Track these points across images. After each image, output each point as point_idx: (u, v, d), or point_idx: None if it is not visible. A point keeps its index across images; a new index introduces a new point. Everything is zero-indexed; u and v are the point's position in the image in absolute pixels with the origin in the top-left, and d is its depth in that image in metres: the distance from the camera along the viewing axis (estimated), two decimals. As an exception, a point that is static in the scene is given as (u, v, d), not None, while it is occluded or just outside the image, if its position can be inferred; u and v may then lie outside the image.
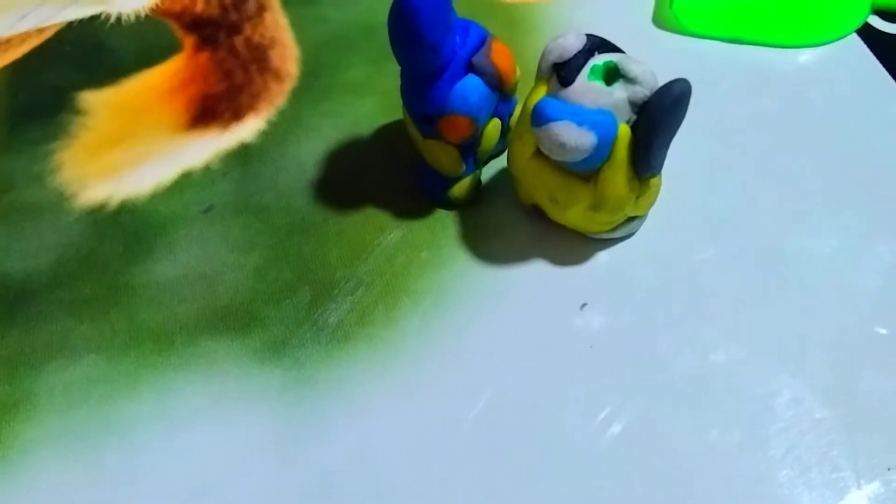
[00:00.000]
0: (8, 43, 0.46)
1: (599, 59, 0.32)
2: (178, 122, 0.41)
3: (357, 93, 0.43)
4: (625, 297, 0.35)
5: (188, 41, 0.45)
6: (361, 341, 0.34)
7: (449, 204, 0.38)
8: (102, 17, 0.47)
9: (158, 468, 0.31)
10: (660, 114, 0.31)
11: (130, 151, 0.40)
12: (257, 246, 0.37)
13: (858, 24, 0.45)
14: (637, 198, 0.34)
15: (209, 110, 0.42)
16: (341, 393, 0.33)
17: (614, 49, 0.33)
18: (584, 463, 0.31)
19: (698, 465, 0.31)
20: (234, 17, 0.46)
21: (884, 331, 0.34)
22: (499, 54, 0.35)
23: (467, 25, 0.34)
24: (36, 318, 0.35)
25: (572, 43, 0.32)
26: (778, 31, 0.44)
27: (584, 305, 0.35)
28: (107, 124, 0.42)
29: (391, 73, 0.37)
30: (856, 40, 0.44)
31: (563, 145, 0.31)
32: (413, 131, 0.37)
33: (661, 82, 0.31)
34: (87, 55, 0.45)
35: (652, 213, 0.36)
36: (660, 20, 0.46)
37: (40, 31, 0.47)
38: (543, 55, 0.33)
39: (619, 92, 0.32)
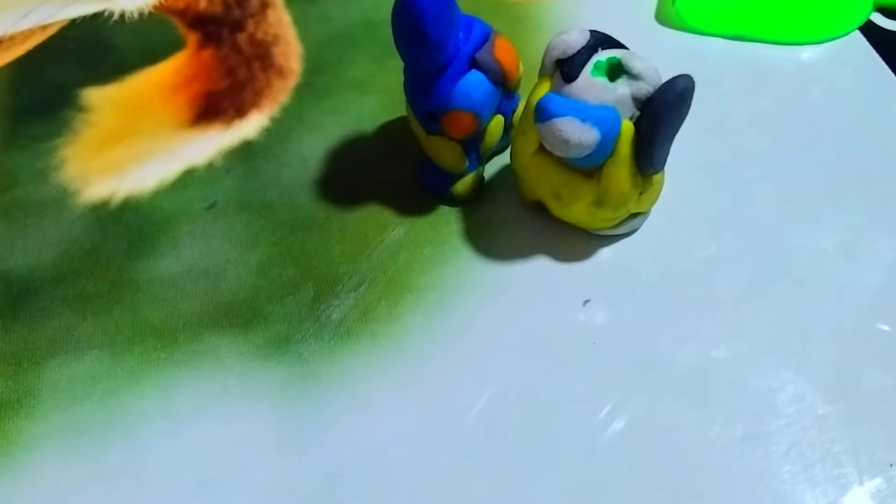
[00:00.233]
0: (11, 40, 0.46)
1: (603, 56, 0.32)
2: (182, 119, 0.41)
3: (360, 90, 0.43)
4: (627, 294, 0.35)
5: (191, 38, 0.45)
6: (364, 337, 0.34)
7: (452, 200, 0.38)
8: (106, 14, 0.47)
9: (162, 464, 0.31)
10: (663, 110, 0.31)
11: (134, 148, 0.40)
12: (260, 242, 0.37)
13: (861, 21, 0.45)
14: (640, 194, 0.34)
15: (212, 107, 0.42)
16: (344, 389, 0.33)
17: (618, 45, 0.33)
18: (586, 459, 0.31)
19: (700, 461, 0.31)
20: (237, 14, 0.46)
21: (885, 327, 0.34)
22: (502, 51, 0.35)
23: (471, 22, 0.34)
24: (39, 315, 0.35)
25: (576, 39, 0.32)
26: (780, 29, 0.44)
27: (586, 302, 0.35)
28: (110, 121, 0.42)
29: (394, 70, 0.37)
30: (858, 38, 0.44)
31: (566, 141, 0.31)
32: (416, 128, 0.37)
33: (664, 79, 0.31)
34: (90, 52, 0.45)
35: (654, 209, 0.36)
36: (662, 17, 0.46)
37: (43, 28, 0.47)
38: (547, 51, 0.33)
39: (623, 88, 0.32)
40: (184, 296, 0.36)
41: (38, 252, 0.37)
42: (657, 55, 0.32)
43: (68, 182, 0.40)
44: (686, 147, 0.35)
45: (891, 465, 0.30)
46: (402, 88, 0.36)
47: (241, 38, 0.45)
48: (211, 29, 0.45)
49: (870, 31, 0.44)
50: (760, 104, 0.41)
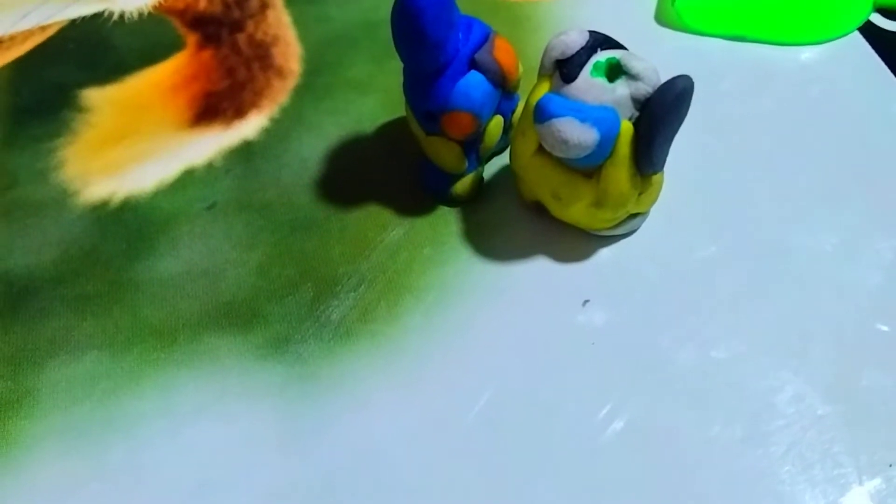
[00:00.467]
0: (11, 40, 0.46)
1: (602, 56, 0.32)
2: (181, 120, 0.41)
3: (359, 90, 0.43)
4: (627, 294, 0.35)
5: (191, 39, 0.45)
6: (364, 338, 0.34)
7: (451, 201, 0.38)
8: (105, 14, 0.47)
9: (161, 464, 0.31)
10: (662, 110, 0.31)
11: (133, 148, 0.40)
12: (260, 243, 0.37)
13: (860, 21, 0.45)
14: (639, 194, 0.34)
15: (212, 107, 0.42)
16: (344, 389, 0.33)
17: (617, 46, 0.33)
18: (586, 459, 0.31)
19: (700, 461, 0.31)
20: (236, 14, 0.46)
21: (885, 328, 0.34)
22: (502, 51, 0.35)
23: (470, 22, 0.34)
24: (39, 315, 0.35)
25: (575, 39, 0.33)
26: (780, 29, 0.44)
27: (586, 302, 0.35)
28: (110, 121, 0.42)
29: (393, 70, 0.37)
30: (858, 38, 0.44)
31: (565, 142, 0.31)
32: (416, 128, 0.37)
33: (664, 79, 0.31)
34: (90, 52, 0.45)
35: (654, 210, 0.36)
36: (662, 17, 0.46)
37: (43, 28, 0.47)
38: (546, 52, 0.33)
39: (622, 88, 0.32)
40: (183, 296, 0.36)
41: (37, 252, 0.37)
42: (656, 56, 0.32)
43: (68, 182, 0.40)
44: (685, 147, 0.35)
45: (890, 466, 0.30)
46: (401, 89, 0.36)
47: (241, 38, 0.45)
48: (210, 29, 0.45)
49: (869, 31, 0.44)
50: (760, 104, 0.41)
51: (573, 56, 0.32)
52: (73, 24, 0.47)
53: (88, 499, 0.31)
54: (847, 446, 0.31)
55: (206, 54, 0.44)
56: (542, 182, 0.35)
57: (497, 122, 0.37)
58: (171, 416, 0.32)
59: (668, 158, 0.34)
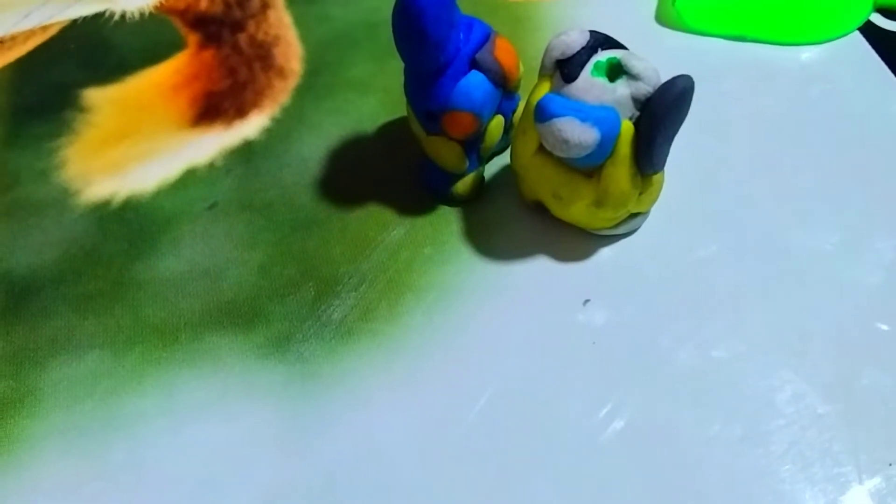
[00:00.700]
0: (13, 40, 0.46)
1: (603, 56, 0.32)
2: (183, 119, 0.41)
3: (360, 90, 0.43)
4: (627, 294, 0.35)
5: (192, 39, 0.45)
6: (365, 337, 0.34)
7: (452, 200, 0.38)
8: (106, 14, 0.47)
9: (163, 463, 0.31)
10: (663, 110, 0.31)
11: (135, 148, 0.40)
12: (261, 242, 0.37)
13: (861, 21, 0.45)
14: (640, 194, 0.34)
15: (213, 107, 0.42)
16: (345, 388, 0.33)
17: (618, 46, 0.33)
18: (586, 458, 0.31)
19: (700, 460, 0.31)
20: (237, 14, 0.46)
21: (885, 327, 0.34)
22: (502, 51, 0.35)
23: (471, 22, 0.34)
24: (40, 314, 0.36)
25: (576, 39, 0.33)
26: (780, 29, 0.44)
27: (586, 301, 0.35)
28: (111, 121, 0.42)
29: (394, 70, 0.37)
30: (858, 38, 0.44)
31: (566, 141, 0.31)
32: (416, 128, 0.37)
33: (664, 79, 0.31)
34: (91, 52, 0.46)
35: (654, 209, 0.37)
36: (662, 17, 0.46)
37: (44, 28, 0.47)
38: (547, 51, 0.33)
39: (623, 88, 0.32)
40: (185, 295, 0.36)
41: (39, 252, 0.38)
42: (657, 56, 0.33)
43: (69, 182, 0.40)
44: (685, 147, 0.35)
45: (890, 465, 0.30)
46: (402, 89, 0.36)
47: (242, 38, 0.45)
48: (212, 29, 0.45)
49: (869, 31, 0.45)
50: (760, 104, 0.41)
51: (574, 56, 0.32)
52: (75, 23, 0.47)
53: (90, 497, 0.31)
54: (847, 445, 0.31)
55: (208, 54, 0.44)
56: (542, 182, 0.35)
57: (498, 122, 0.37)
58: (173, 415, 0.32)
59: (669, 158, 0.34)
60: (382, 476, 0.31)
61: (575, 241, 0.36)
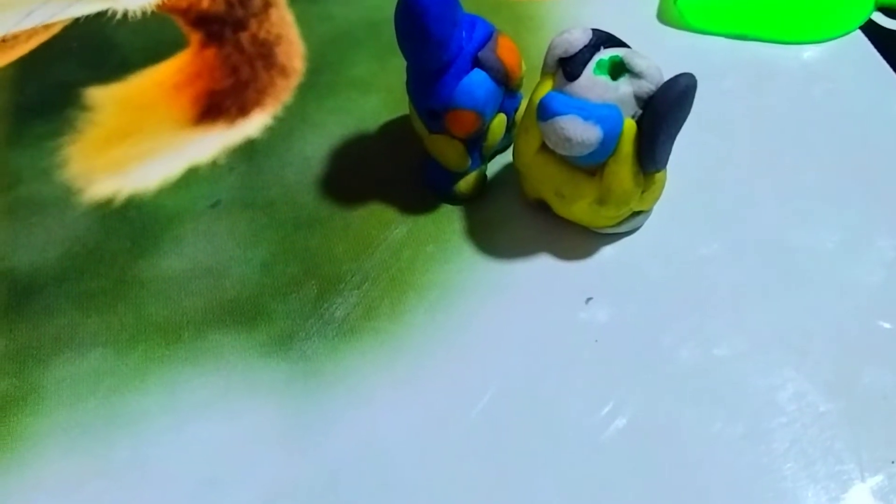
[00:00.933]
0: (15, 39, 0.46)
1: (605, 54, 0.32)
2: (185, 118, 0.41)
3: (362, 89, 0.43)
4: (629, 292, 0.35)
5: (194, 37, 0.45)
6: (367, 335, 0.34)
7: (454, 199, 0.38)
8: (109, 13, 0.47)
9: (166, 460, 0.31)
10: (665, 108, 0.31)
11: (137, 147, 0.40)
12: (264, 240, 0.37)
13: (862, 20, 0.45)
14: (642, 192, 0.34)
15: (215, 106, 0.42)
16: (347, 386, 0.33)
17: (620, 44, 0.33)
18: (588, 455, 0.31)
19: (702, 458, 0.31)
20: (239, 13, 0.46)
21: (886, 325, 0.34)
22: (505, 49, 0.35)
23: (473, 21, 0.34)
24: (43, 312, 0.36)
25: (578, 38, 0.33)
26: (782, 28, 0.44)
27: (589, 299, 0.35)
28: (113, 120, 0.42)
29: (396, 69, 0.37)
30: (859, 37, 0.44)
31: (568, 139, 0.31)
32: (419, 126, 0.37)
33: (666, 77, 0.32)
34: (93, 51, 0.46)
35: (657, 208, 0.37)
36: (664, 16, 0.46)
37: (47, 27, 0.47)
38: (549, 50, 0.33)
39: (625, 86, 0.32)
40: (187, 293, 0.36)
41: (42, 250, 0.38)
42: (659, 54, 0.33)
43: (72, 180, 0.40)
44: (688, 145, 0.35)
45: (892, 462, 0.30)
46: (404, 87, 0.36)
47: (244, 37, 0.45)
48: (214, 28, 0.45)
49: (871, 30, 0.45)
50: (762, 103, 0.41)
51: (576, 54, 0.32)
52: (77, 22, 0.47)
53: (93, 495, 0.31)
54: (849, 443, 0.31)
55: (210, 53, 0.44)
56: (545, 180, 0.35)
57: (500, 120, 0.37)
58: (176, 413, 0.32)
59: (671, 156, 0.34)
60: (384, 474, 0.31)
61: (577, 240, 0.36)
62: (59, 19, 0.47)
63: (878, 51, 0.44)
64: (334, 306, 0.35)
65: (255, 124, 0.42)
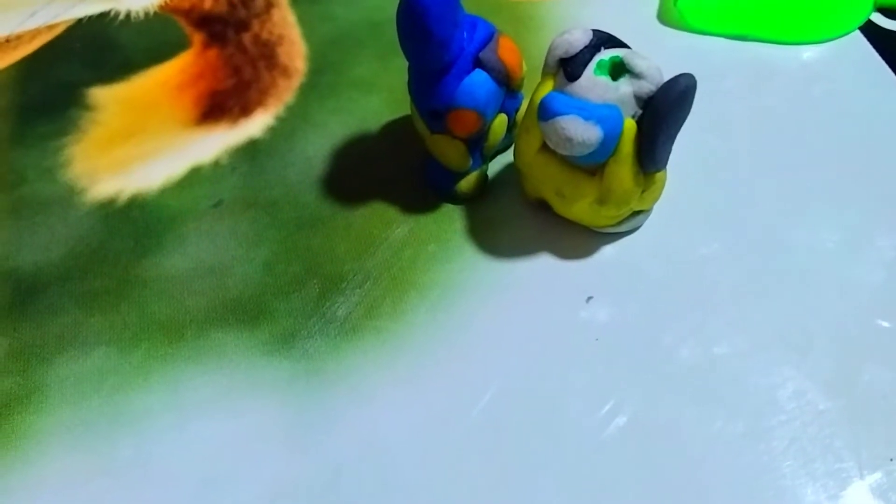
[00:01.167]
0: (18, 39, 0.46)
1: (605, 55, 0.33)
2: (188, 118, 0.42)
3: (364, 89, 0.43)
4: (630, 291, 0.35)
5: (197, 38, 0.45)
6: (369, 334, 0.34)
7: (456, 198, 0.38)
8: (112, 13, 0.47)
9: (169, 458, 0.32)
10: (665, 108, 0.31)
11: (140, 146, 0.41)
12: (266, 240, 0.38)
13: (861, 21, 0.45)
14: (642, 192, 0.34)
15: (218, 106, 0.42)
16: (349, 384, 0.33)
17: (620, 45, 0.33)
18: (589, 454, 0.31)
19: (702, 456, 0.31)
20: (242, 13, 0.46)
21: (886, 323, 0.34)
22: (506, 50, 0.35)
23: (475, 21, 0.35)
24: (47, 311, 0.36)
25: (579, 38, 0.33)
26: (781, 28, 0.44)
27: (589, 298, 0.35)
28: (117, 120, 0.42)
29: (398, 69, 0.37)
30: (859, 37, 0.44)
31: (569, 139, 0.31)
32: (420, 126, 0.37)
33: (666, 78, 0.32)
34: (96, 51, 0.46)
35: (657, 207, 0.37)
36: (664, 17, 0.46)
37: (50, 27, 0.47)
38: (550, 50, 0.33)
39: (625, 87, 0.32)
40: (190, 292, 0.36)
41: (45, 249, 0.38)
42: (659, 54, 0.33)
43: (75, 180, 0.40)
44: (688, 145, 0.35)
45: (891, 460, 0.30)
46: (406, 87, 0.37)
47: (247, 37, 0.45)
48: (216, 29, 0.46)
49: (870, 30, 0.45)
50: (761, 103, 0.42)
51: (577, 55, 0.33)
52: (80, 23, 0.47)
53: (96, 493, 0.31)
54: (848, 441, 0.31)
55: (212, 53, 0.44)
56: (545, 179, 0.35)
57: (501, 121, 0.37)
58: (179, 412, 0.33)
59: (671, 156, 0.34)
60: (386, 472, 0.31)
61: (578, 239, 0.36)
62: (62, 20, 0.47)
63: (878, 51, 0.44)
64: (336, 305, 0.35)
65: (257, 124, 0.42)
